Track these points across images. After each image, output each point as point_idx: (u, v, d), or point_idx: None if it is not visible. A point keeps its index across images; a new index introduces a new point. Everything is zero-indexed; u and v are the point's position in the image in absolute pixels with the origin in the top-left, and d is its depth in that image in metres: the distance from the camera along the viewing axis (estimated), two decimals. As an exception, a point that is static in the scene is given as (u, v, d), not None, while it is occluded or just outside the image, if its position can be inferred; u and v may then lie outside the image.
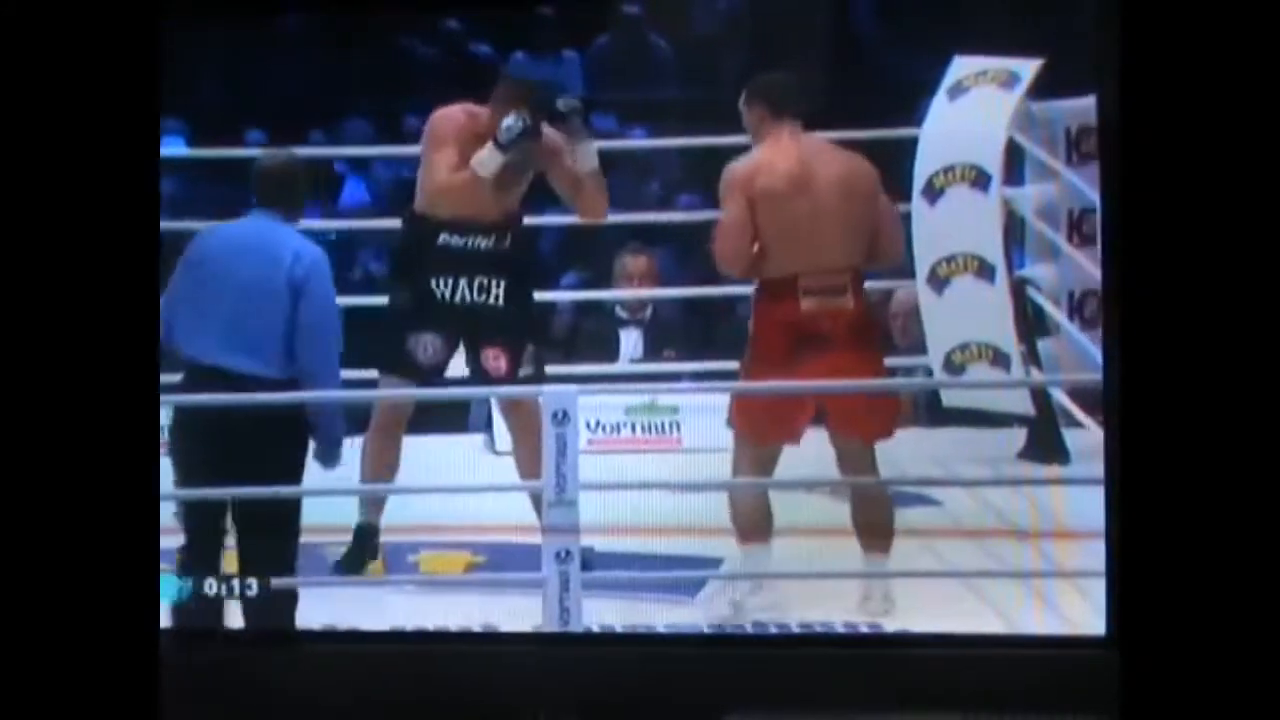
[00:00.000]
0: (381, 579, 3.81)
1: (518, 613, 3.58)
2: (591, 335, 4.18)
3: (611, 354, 4.16)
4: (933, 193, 3.91)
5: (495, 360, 3.87)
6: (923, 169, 3.92)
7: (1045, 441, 3.85)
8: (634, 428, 3.94)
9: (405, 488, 3.84)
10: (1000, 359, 3.86)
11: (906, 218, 3.87)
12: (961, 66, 3.94)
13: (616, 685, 3.35)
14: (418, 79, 4.08)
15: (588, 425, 3.78)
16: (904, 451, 3.79)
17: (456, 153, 3.84)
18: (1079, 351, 3.90)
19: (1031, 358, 3.88)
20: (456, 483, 3.80)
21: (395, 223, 4.03)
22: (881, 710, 3.23)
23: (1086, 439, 3.79)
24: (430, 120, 3.88)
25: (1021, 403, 3.87)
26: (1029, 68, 3.90)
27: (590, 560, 3.60)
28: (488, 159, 3.82)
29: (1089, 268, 3.85)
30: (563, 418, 3.62)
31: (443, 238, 3.85)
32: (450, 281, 3.85)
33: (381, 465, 3.83)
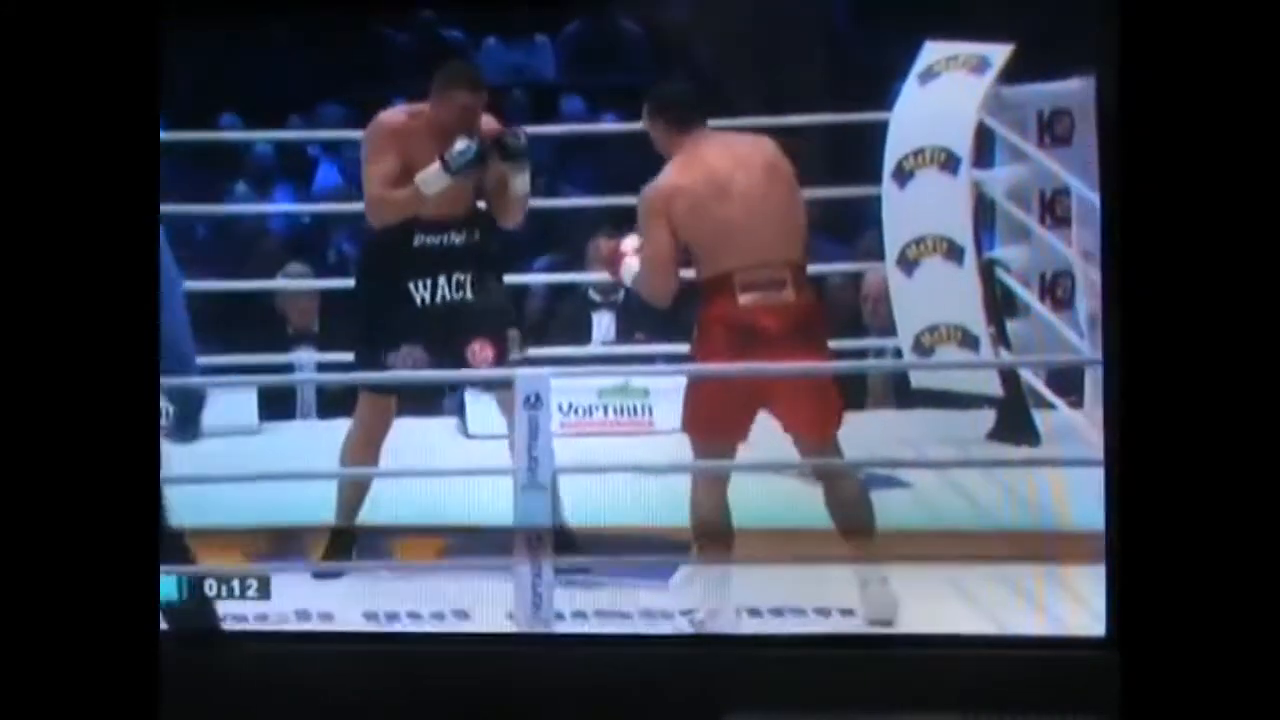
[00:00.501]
0: (353, 565, 3.78)
1: (490, 598, 3.56)
2: (564, 318, 4.18)
3: (584, 337, 4.16)
4: (902, 175, 3.92)
5: (482, 352, 3.82)
6: (893, 152, 3.92)
7: (1014, 422, 3.85)
8: (606, 410, 3.93)
9: (376, 471, 3.80)
10: (969, 340, 3.86)
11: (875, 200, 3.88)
12: (932, 52, 3.94)
13: (616, 685, 3.32)
14: (390, 64, 4.06)
15: (560, 408, 3.77)
16: (873, 433, 3.79)
17: (397, 160, 3.76)
18: (1050, 333, 3.93)
19: (1000, 339, 3.89)
20: (428, 466, 3.77)
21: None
22: (881, 710, 3.20)
23: (1057, 420, 3.81)
24: (370, 127, 3.82)
25: (990, 384, 3.88)
26: (999, 53, 3.89)
27: (565, 543, 3.58)
28: (434, 179, 3.74)
29: (1061, 249, 3.87)
30: (535, 401, 3.59)
31: (419, 238, 3.80)
32: (429, 282, 3.80)
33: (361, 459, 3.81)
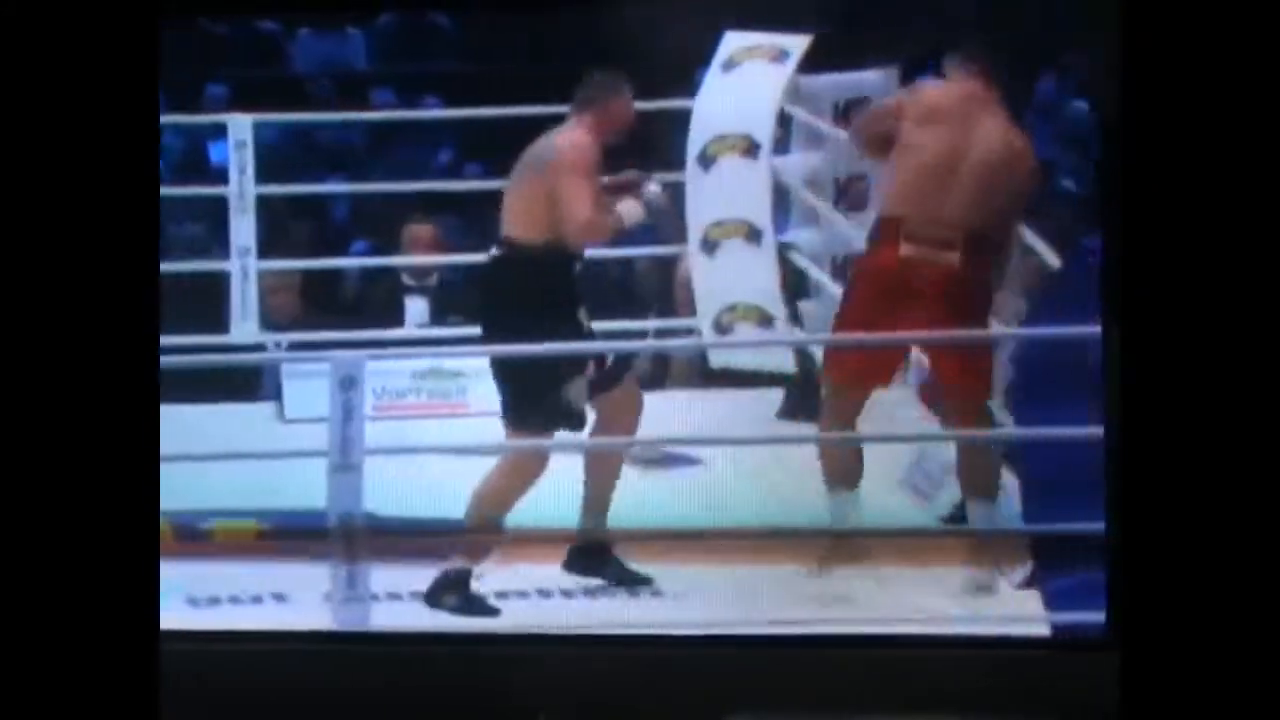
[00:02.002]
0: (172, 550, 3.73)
1: (306, 581, 3.56)
2: (378, 302, 4.19)
3: (398, 320, 4.16)
4: (706, 160, 3.98)
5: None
6: (696, 138, 3.98)
7: (803, 400, 3.91)
8: (420, 393, 3.96)
9: (193, 455, 3.64)
10: (765, 320, 3.95)
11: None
12: (733, 41, 4.02)
13: (616, 685, 3.28)
14: (207, 54, 4.04)
15: (374, 391, 3.76)
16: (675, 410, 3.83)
17: (592, 188, 3.74)
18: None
19: (793, 318, 3.97)
20: (245, 449, 3.76)
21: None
22: (881, 710, 3.16)
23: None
24: (571, 151, 3.74)
25: (786, 362, 3.95)
26: (798, 44, 3.98)
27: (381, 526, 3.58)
28: (634, 214, 3.79)
29: (853, 233, 3.93)
30: (349, 383, 3.57)
31: (578, 266, 3.76)
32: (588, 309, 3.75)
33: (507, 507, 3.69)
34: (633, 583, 3.66)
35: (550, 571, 3.67)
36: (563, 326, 3.70)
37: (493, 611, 3.60)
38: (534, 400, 3.69)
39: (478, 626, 3.59)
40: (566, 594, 3.65)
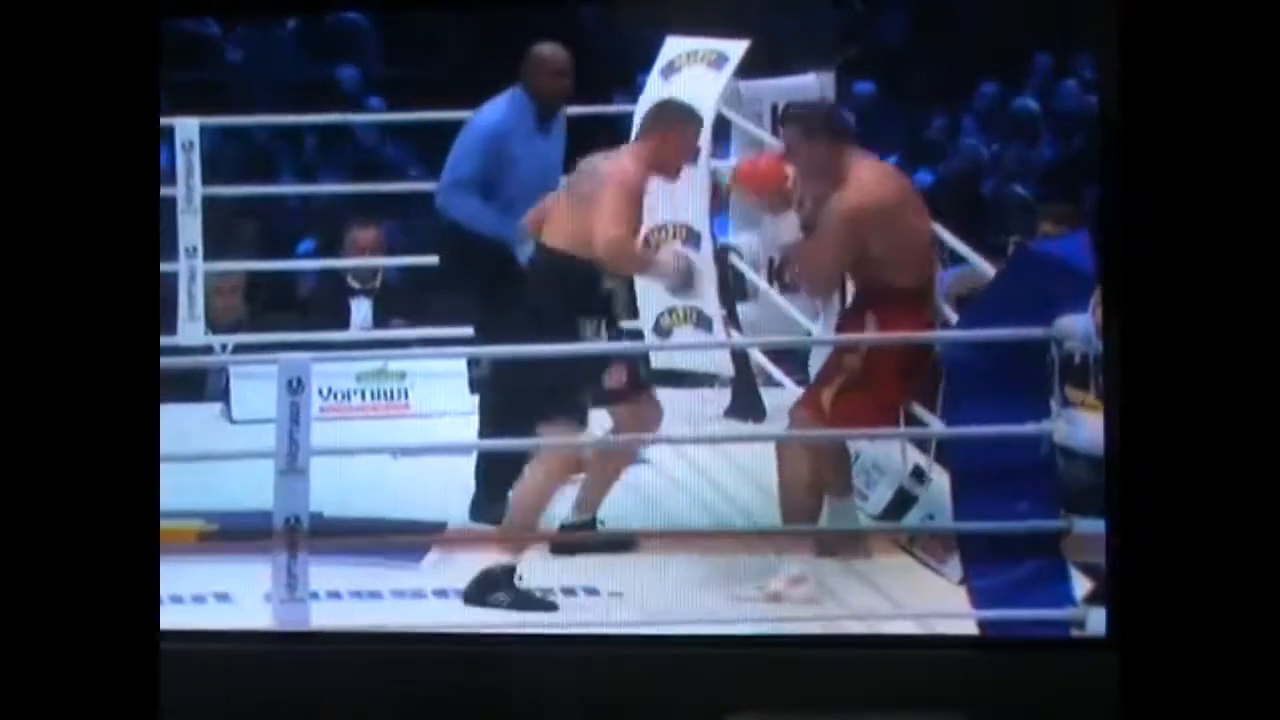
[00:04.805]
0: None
1: (249, 580, 3.55)
2: (323, 304, 4.19)
3: (343, 322, 4.16)
4: (646, 165, 3.99)
5: (616, 375, 3.77)
6: (638, 143, 4.01)
7: (743, 400, 3.99)
8: (364, 394, 3.96)
9: None
10: (704, 321, 3.97)
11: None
12: (674, 47, 4.04)
13: (617, 685, 3.27)
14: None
15: (320, 393, 3.75)
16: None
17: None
18: (779, 314, 4.06)
19: (731, 320, 4.00)
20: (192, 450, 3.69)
21: None
22: (882, 710, 3.14)
23: (783, 397, 3.94)
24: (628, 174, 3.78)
25: (724, 364, 3.99)
26: (736, 48, 4.01)
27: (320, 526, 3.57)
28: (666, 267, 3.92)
29: (787, 235, 3.95)
30: (297, 386, 3.56)
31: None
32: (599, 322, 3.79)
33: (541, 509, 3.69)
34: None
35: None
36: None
37: (549, 606, 3.58)
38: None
39: (526, 624, 3.56)
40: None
